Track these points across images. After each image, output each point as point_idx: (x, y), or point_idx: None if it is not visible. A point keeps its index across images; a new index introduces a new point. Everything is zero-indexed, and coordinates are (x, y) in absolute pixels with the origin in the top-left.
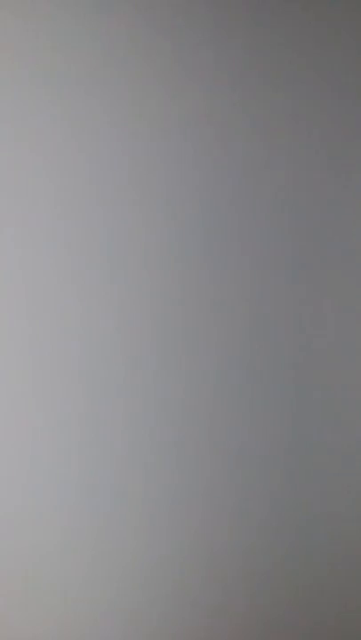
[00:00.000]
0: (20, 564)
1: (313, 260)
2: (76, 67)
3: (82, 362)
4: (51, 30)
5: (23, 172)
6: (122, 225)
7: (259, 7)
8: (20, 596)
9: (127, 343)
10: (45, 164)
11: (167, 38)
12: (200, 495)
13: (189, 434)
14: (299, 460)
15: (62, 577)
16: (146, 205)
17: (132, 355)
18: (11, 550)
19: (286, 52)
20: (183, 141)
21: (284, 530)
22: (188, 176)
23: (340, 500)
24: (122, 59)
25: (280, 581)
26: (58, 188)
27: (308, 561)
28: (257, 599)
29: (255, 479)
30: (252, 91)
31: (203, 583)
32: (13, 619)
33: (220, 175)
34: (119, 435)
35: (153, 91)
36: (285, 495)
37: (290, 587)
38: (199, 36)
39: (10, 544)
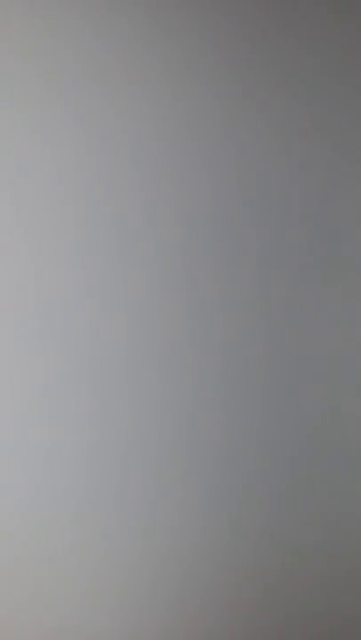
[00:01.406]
0: (20, 566)
1: (316, 259)
2: (77, 65)
3: (86, 362)
4: (52, 28)
5: (26, 170)
6: (125, 223)
7: (259, 4)
8: (21, 597)
9: (131, 343)
10: (48, 163)
11: (168, 35)
12: (201, 495)
13: (191, 436)
14: (300, 461)
15: (63, 578)
16: (149, 204)
17: (134, 356)
18: (12, 552)
19: (288, 48)
20: (186, 139)
21: (285, 531)
22: (191, 174)
23: (341, 502)
24: (123, 56)
25: (281, 584)
26: (60, 188)
27: (310, 562)
28: (257, 601)
29: (256, 480)
30: (253, 87)
31: (203, 584)
32: (14, 620)
33: (224, 173)
34: (121, 435)
35: (154, 88)
36: (287, 496)
37: (291, 589)
38: (200, 32)
39: (11, 546)
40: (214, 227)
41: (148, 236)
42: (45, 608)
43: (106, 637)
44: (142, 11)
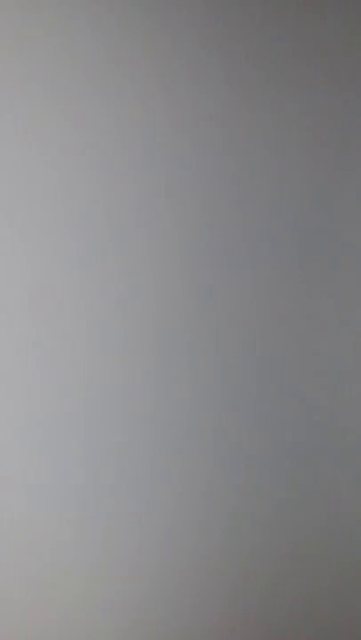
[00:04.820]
0: (21, 566)
1: (315, 260)
2: (78, 67)
3: (82, 363)
4: (52, 29)
5: (24, 171)
6: (123, 223)
7: (260, 5)
8: (22, 597)
9: (128, 343)
10: (46, 165)
11: (168, 38)
12: (201, 496)
13: (190, 436)
14: (300, 462)
15: (63, 578)
16: (148, 207)
17: (132, 357)
18: (12, 552)
19: (288, 51)
20: (185, 141)
21: (285, 532)
22: (190, 176)
23: (341, 504)
24: (123, 58)
25: (281, 584)
26: (58, 190)
27: (309, 564)
28: (258, 602)
29: (256, 482)
30: (253, 90)
31: (203, 583)
32: (14, 619)
33: (222, 175)
34: (120, 435)
35: (155, 91)
36: (286, 498)
37: (292, 589)
38: (200, 35)
39: (11, 546)
40: (213, 230)
41: (147, 241)
42: (45, 608)
43: (106, 637)
44: (143, 14)
